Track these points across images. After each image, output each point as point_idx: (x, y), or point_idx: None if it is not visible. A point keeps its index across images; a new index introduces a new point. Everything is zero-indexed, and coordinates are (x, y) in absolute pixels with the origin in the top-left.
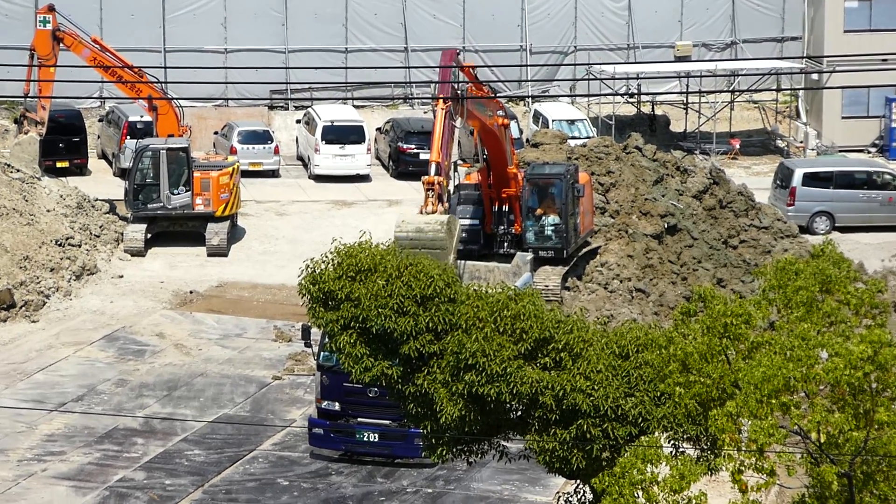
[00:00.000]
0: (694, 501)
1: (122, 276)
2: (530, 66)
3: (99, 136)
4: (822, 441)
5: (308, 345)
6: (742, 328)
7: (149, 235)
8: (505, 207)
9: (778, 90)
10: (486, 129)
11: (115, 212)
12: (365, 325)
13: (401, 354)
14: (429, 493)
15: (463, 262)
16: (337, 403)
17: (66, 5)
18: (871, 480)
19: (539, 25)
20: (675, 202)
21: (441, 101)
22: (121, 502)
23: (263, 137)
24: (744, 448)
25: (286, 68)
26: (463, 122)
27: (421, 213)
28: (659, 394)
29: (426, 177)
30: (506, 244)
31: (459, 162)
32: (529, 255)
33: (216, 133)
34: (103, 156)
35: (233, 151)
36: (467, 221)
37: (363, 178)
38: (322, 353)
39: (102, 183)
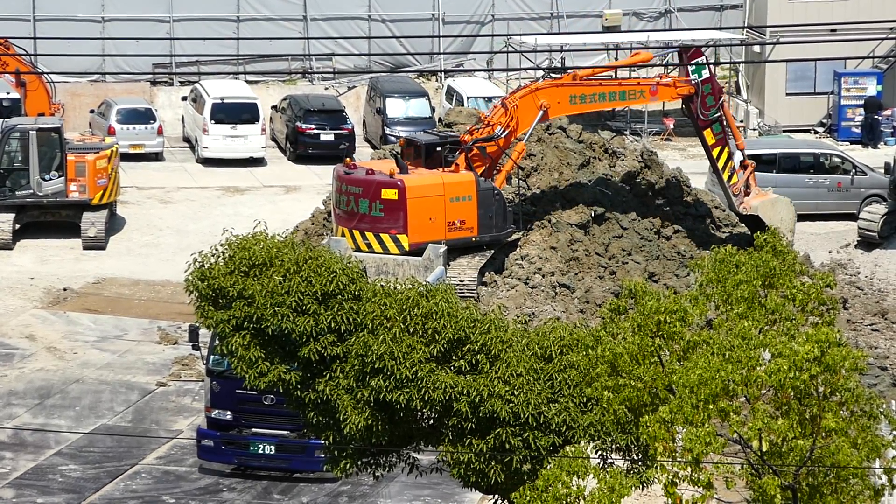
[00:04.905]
0: None
1: None
2: (443, 37)
3: None
4: (764, 450)
5: (196, 347)
6: (676, 326)
7: (17, 226)
8: None
9: (716, 64)
10: None
11: None
12: (260, 325)
13: (300, 358)
14: None
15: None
16: (229, 412)
17: None
18: (818, 493)
19: None
20: (603, 188)
21: None
22: None
23: (145, 116)
24: (678, 458)
25: (171, 39)
26: None
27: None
28: (585, 399)
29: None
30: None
31: None
32: (443, 247)
33: (92, 112)
34: None
35: (111, 132)
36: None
37: (257, 162)
38: (212, 357)
39: None
